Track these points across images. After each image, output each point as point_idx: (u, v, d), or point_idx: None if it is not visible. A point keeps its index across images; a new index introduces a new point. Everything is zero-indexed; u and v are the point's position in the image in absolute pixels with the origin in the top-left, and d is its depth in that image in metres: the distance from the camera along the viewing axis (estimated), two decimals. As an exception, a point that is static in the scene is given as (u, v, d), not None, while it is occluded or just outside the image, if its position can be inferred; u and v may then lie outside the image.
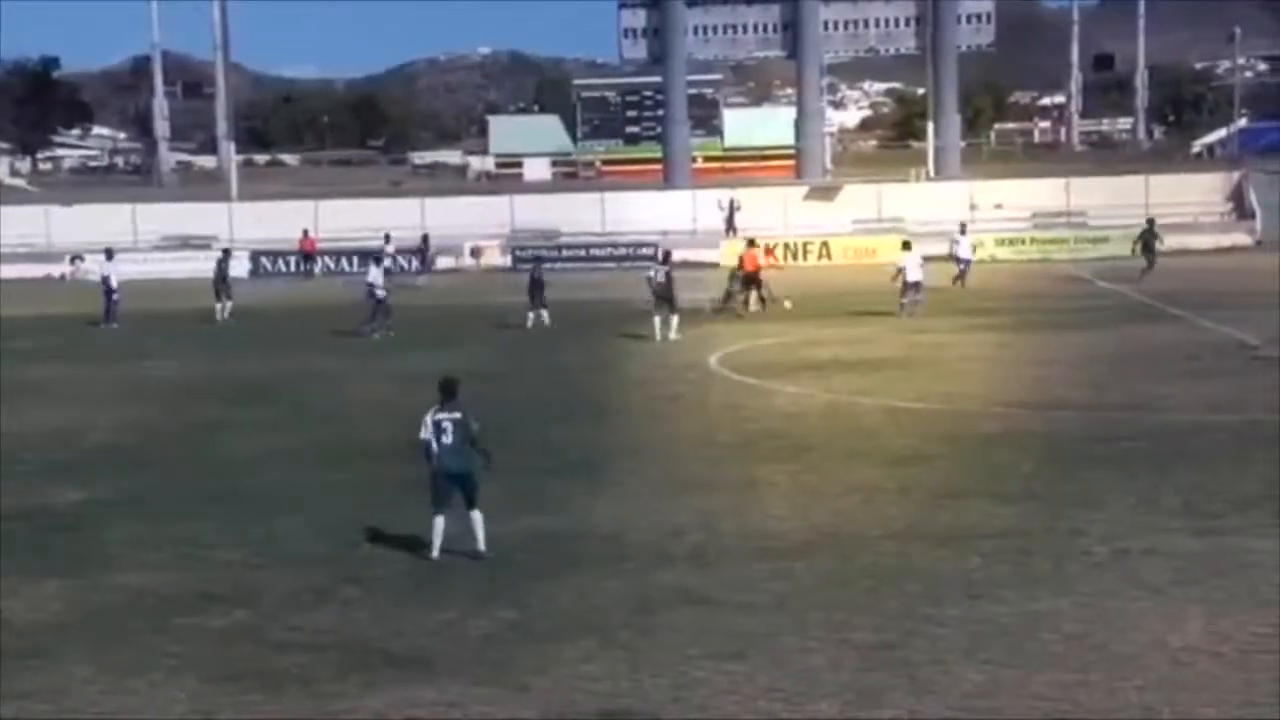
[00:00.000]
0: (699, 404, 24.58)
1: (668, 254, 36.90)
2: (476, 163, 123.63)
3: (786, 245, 59.41)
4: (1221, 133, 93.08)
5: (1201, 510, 15.74)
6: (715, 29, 71.75)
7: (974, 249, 44.20)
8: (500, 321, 36.42)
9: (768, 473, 18.57)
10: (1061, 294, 39.78)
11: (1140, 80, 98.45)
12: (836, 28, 71.40)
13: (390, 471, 18.29)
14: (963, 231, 44.11)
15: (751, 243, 40.62)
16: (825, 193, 64.20)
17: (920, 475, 18.13)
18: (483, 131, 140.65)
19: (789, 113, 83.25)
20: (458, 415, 14.57)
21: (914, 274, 36.99)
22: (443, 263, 56.54)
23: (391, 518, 16.28)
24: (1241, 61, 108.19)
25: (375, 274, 36.37)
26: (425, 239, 55.07)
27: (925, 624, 12.27)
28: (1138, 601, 12.67)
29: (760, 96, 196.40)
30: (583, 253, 58.64)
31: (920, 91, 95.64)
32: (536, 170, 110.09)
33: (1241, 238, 57.86)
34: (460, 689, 11.11)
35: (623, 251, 58.00)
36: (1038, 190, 61.31)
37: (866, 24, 71.47)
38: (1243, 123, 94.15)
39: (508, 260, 59.25)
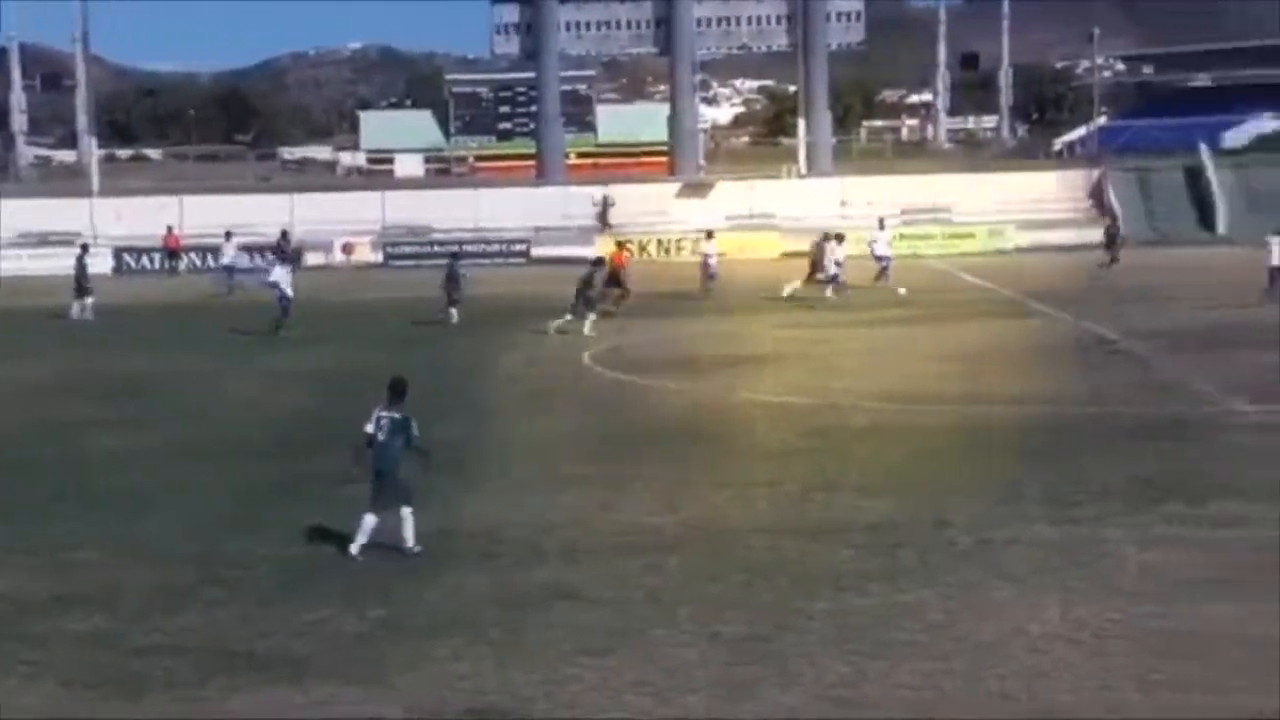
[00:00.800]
0: (572, 401, 24.56)
1: (600, 259, 37.53)
2: (347, 158, 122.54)
3: (659, 241, 59.73)
4: (1082, 131, 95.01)
5: (1061, 501, 16.06)
6: (588, 25, 71.81)
7: (890, 245, 43.76)
8: (415, 318, 35.99)
9: (640, 468, 18.60)
10: (930, 289, 40.37)
11: (1004, 79, 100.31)
12: (709, 25, 71.83)
13: (258, 470, 18.03)
14: (881, 227, 44.16)
15: (621, 245, 41.22)
16: (698, 189, 64.55)
17: (791, 469, 18.29)
18: (353, 127, 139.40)
19: (662, 109, 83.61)
20: (397, 415, 14.57)
21: (832, 267, 38.43)
22: (313, 259, 55.87)
23: (259, 516, 16.06)
24: (1100, 61, 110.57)
25: (280, 273, 35.45)
26: (285, 235, 53.70)
27: (795, 617, 12.38)
28: (1000, 590, 12.90)
29: (633, 93, 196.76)
30: (456, 249, 58.22)
31: (792, 89, 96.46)
32: (408, 166, 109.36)
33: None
34: (328, 690, 10.99)
35: (496, 248, 57.84)
36: (906, 187, 62.22)
37: (738, 21, 71.99)
38: (1102, 121, 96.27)
39: (379, 257, 58.77)
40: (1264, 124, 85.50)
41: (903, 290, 39.10)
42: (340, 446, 15.46)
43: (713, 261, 42.54)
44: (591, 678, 11.09)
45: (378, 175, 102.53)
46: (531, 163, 76.60)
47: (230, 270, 46.86)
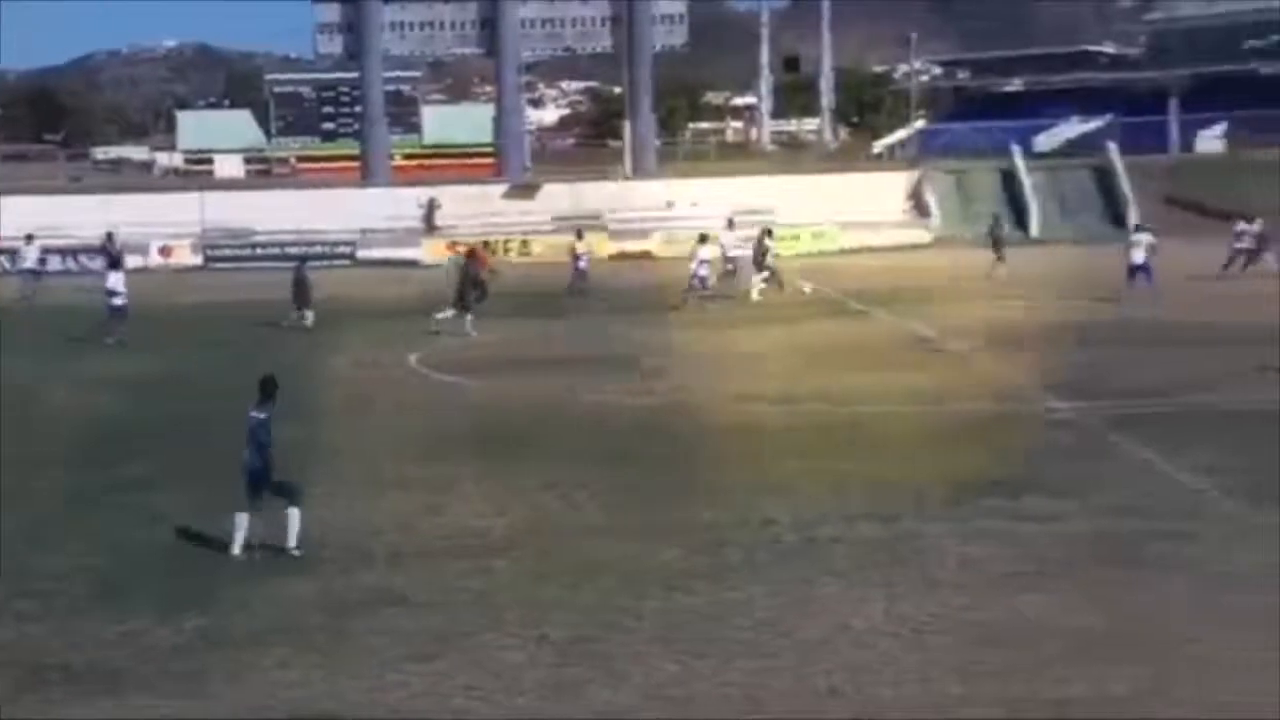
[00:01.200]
0: (398, 403, 24.32)
1: (472, 250, 37.01)
2: (164, 159, 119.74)
3: (487, 243, 59.42)
4: (901, 134, 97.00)
5: (885, 497, 16.37)
6: (412, 25, 71.16)
7: (738, 246, 43.66)
8: (265, 320, 35.29)
9: (467, 471, 18.52)
10: (740, 289, 40.76)
11: (825, 82, 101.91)
12: (533, 26, 71.69)
13: (71, 479, 17.53)
14: (730, 228, 44.14)
15: (484, 245, 41.12)
16: (525, 190, 64.46)
17: (619, 470, 18.35)
18: (170, 126, 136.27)
19: (488, 110, 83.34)
20: (262, 416, 14.50)
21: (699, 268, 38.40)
22: (130, 262, 54.35)
23: (71, 527, 15.62)
24: (918, 66, 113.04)
25: (114, 279, 34.26)
26: (110, 237, 52.22)
27: (623, 617, 12.44)
28: (825, 587, 13.11)
29: (459, 94, 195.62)
30: (278, 251, 57.28)
31: (617, 90, 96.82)
32: (228, 167, 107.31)
33: (920, 235, 60.45)
34: (146, 701, 10.75)
35: (320, 250, 57.01)
36: (731, 188, 62.81)
37: (563, 23, 71.97)
38: (920, 124, 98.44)
39: (199, 260, 57.58)
40: (1073, 128, 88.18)
41: (808, 288, 39.44)
42: (154, 454, 15.06)
43: (583, 263, 42.37)
44: (419, 683, 11.01)
45: (196, 176, 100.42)
46: (356, 164, 75.67)
47: (34, 274, 45.43)
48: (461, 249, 42.88)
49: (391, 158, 77.06)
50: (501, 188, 65.21)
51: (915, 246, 57.63)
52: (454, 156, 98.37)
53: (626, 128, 72.65)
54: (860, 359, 28.14)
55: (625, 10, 70.76)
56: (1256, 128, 70.62)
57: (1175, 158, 67.81)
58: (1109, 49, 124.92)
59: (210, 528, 15.09)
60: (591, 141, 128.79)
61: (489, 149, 78.30)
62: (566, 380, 26.17)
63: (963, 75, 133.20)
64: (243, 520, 14.43)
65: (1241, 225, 41.23)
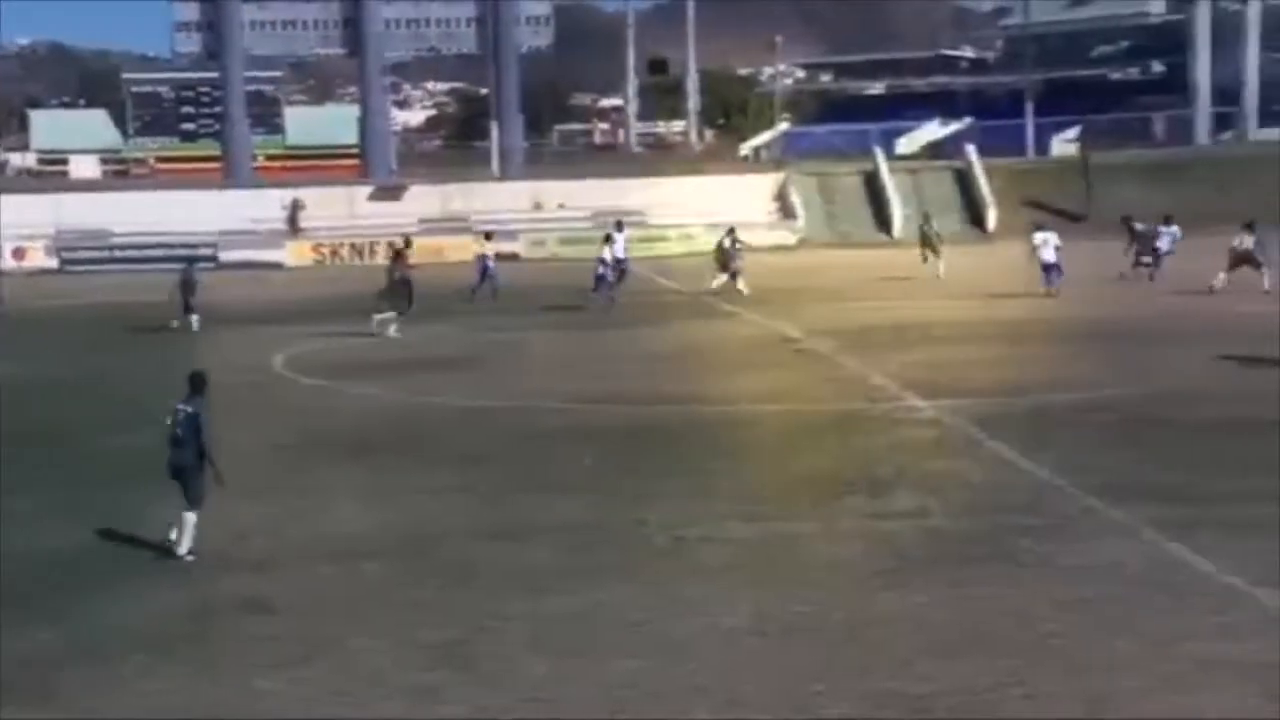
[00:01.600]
0: (263, 407, 24.01)
1: (400, 251, 36.61)
2: (16, 159, 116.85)
3: (353, 244, 59.00)
4: (766, 136, 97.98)
5: (753, 497, 16.53)
6: (273, 25, 70.30)
7: (627, 248, 43.46)
8: (139, 325, 34.50)
9: (335, 475, 18.35)
10: (624, 291, 40.89)
11: (691, 84, 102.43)
12: (398, 26, 71.25)
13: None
14: (619, 229, 43.87)
15: (407, 243, 40.64)
16: (391, 192, 64.03)
17: (488, 472, 18.32)
18: (23, 126, 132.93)
19: (353, 111, 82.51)
20: (190, 410, 14.38)
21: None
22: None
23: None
24: (782, 68, 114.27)
25: None
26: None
27: (492, 620, 12.42)
28: (694, 587, 13.19)
29: (323, 94, 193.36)
30: (137, 254, 56.25)
31: (483, 92, 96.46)
32: (84, 168, 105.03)
33: (786, 236, 61.11)
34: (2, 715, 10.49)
35: (180, 252, 55.95)
36: (598, 190, 62.95)
37: (428, 24, 71.63)
38: (785, 127, 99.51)
39: (54, 262, 56.31)
40: (934, 131, 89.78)
41: (746, 290, 39.58)
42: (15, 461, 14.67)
43: (491, 265, 41.92)
44: (287, 690, 10.90)
45: (50, 177, 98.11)
46: (217, 165, 74.58)
47: None
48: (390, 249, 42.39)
49: (254, 158, 76.13)
50: (367, 189, 64.70)
51: (781, 248, 58.23)
52: (318, 158, 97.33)
53: (493, 129, 72.50)
54: (725, 359, 28.38)
55: (490, 11, 70.60)
56: (1107, 131, 72.61)
57: (1032, 160, 69.26)
58: (968, 54, 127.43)
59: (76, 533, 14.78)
60: (458, 143, 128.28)
61: (354, 150, 77.59)
62: (437, 382, 26.03)
63: (826, 78, 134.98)
64: (190, 518, 14.36)
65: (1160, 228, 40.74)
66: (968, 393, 22.96)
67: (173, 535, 14.47)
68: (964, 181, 64.50)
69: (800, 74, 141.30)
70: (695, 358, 28.87)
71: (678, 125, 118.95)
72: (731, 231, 41.27)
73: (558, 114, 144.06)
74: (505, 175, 68.83)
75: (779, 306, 36.80)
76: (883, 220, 62.87)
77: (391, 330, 32.77)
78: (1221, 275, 35.96)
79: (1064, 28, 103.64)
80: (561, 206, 60.80)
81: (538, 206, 61.06)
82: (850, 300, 38.12)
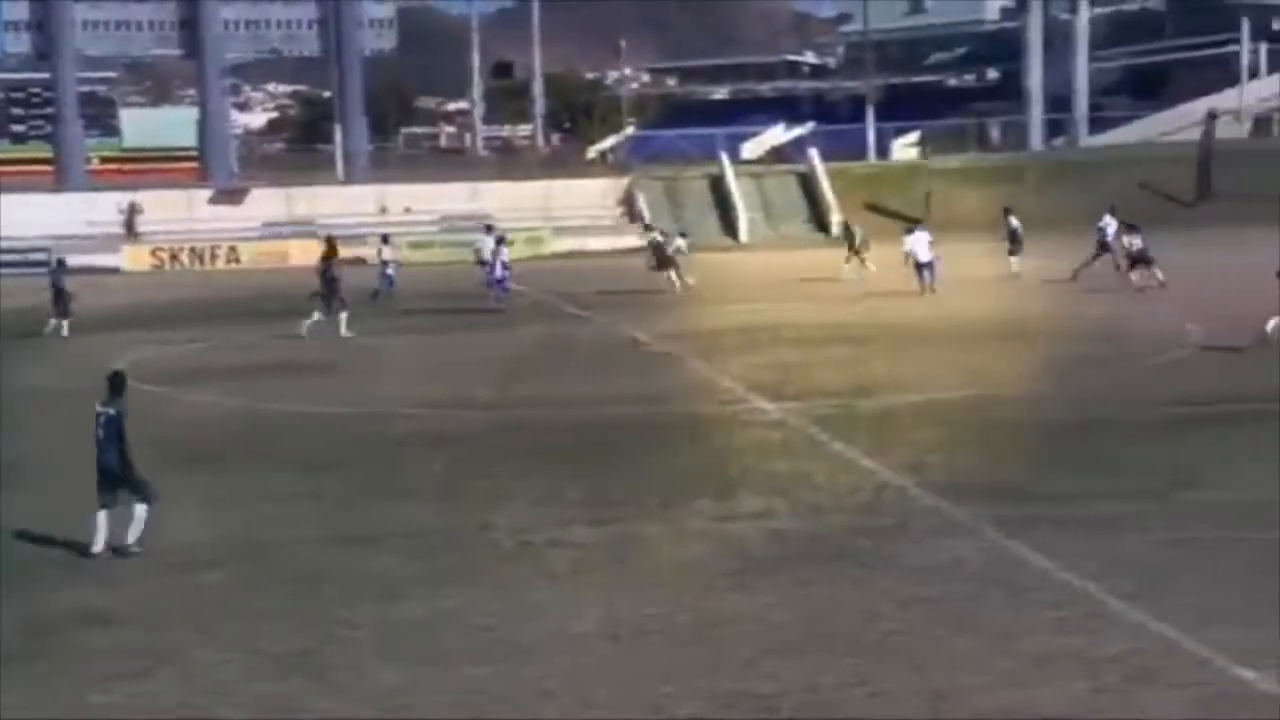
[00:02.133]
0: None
1: (333, 251, 35.96)
2: None
3: (193, 249, 57.93)
4: (612, 140, 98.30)
5: (600, 500, 16.56)
6: (106, 25, 68.69)
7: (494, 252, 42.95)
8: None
9: (176, 483, 17.91)
10: (471, 295, 40.74)
11: (537, 88, 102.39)
12: (237, 28, 70.09)
13: None
14: (488, 233, 43.39)
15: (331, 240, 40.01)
16: (232, 195, 62.99)
17: (334, 479, 18.12)
18: None
19: (192, 113, 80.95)
20: (111, 411, 14.42)
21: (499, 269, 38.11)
22: None
23: None
24: (628, 72, 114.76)
25: None
26: None
27: (340, 627, 12.29)
28: (542, 592, 13.19)
29: (160, 96, 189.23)
30: (59, 260, 54.35)
31: (326, 94, 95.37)
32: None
33: (632, 240, 61.24)
34: None
35: (13, 258, 54.40)
36: (445, 194, 62.61)
37: (268, 25, 70.60)
38: (630, 131, 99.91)
39: None
40: (778, 135, 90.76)
41: (691, 280, 40.37)
42: None
43: (391, 270, 41.38)
44: (126, 703, 10.67)
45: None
46: (49, 168, 72.62)
47: None
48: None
49: (88, 161, 74.32)
50: (207, 192, 63.56)
51: (627, 251, 58.38)
52: (156, 160, 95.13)
53: (337, 132, 71.72)
54: (571, 362, 28.40)
55: (332, 13, 69.82)
56: (946, 136, 74.15)
57: (873, 165, 70.42)
58: (810, 59, 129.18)
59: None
60: (301, 146, 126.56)
61: (193, 153, 76.09)
62: (283, 388, 25.68)
63: (671, 82, 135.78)
64: (103, 519, 14.38)
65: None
66: (813, 394, 23.27)
67: (99, 537, 14.49)
68: (808, 186, 65.35)
69: (645, 78, 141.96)
70: (544, 362, 28.85)
71: (524, 129, 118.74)
72: (649, 228, 41.97)
73: (403, 117, 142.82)
74: (350, 179, 68.11)
75: (627, 310, 36.94)
76: (729, 224, 63.42)
77: (304, 328, 32.55)
78: (1133, 275, 36.70)
79: (903, 34, 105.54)
80: (408, 211, 60.34)
81: (384, 210, 60.50)
82: (698, 303, 38.40)
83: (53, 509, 16.65)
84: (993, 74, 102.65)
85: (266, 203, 61.44)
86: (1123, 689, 10.37)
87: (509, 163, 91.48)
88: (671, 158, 73.67)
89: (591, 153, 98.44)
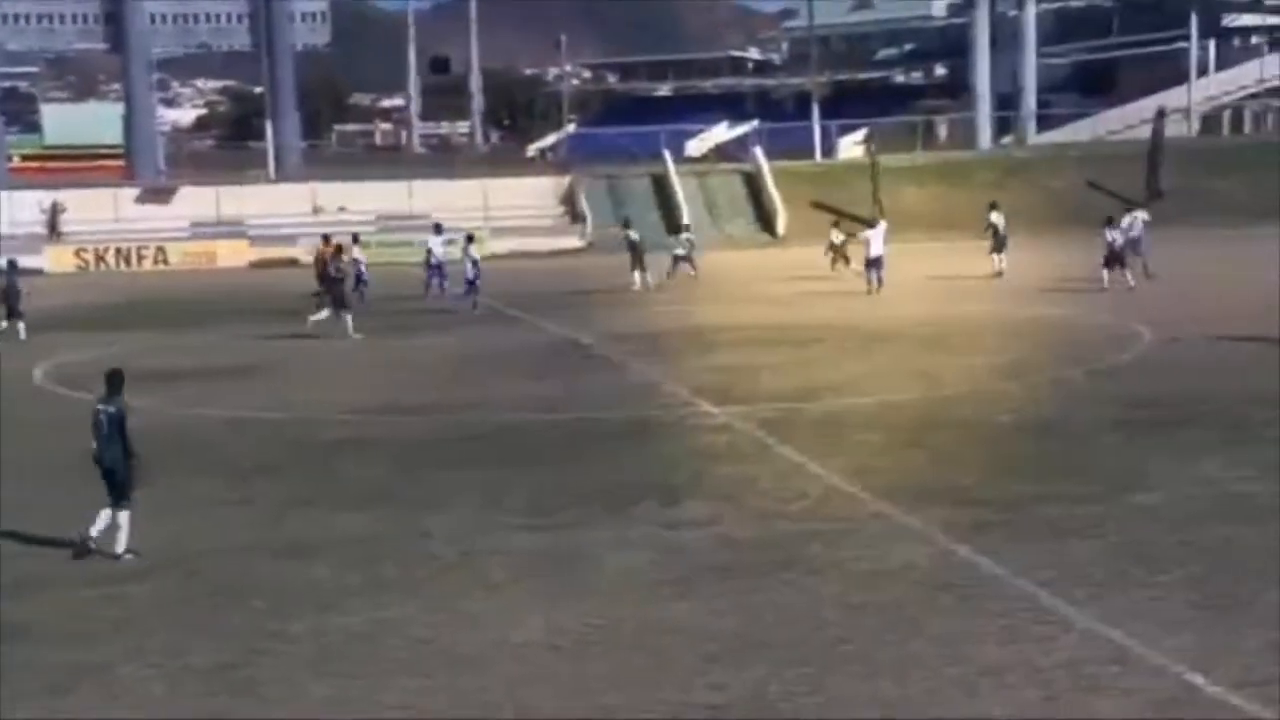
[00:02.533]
0: (22, 422, 23.14)
1: (339, 247, 36.23)
2: None
3: (119, 249, 57.37)
4: (553, 138, 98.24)
5: (541, 507, 16.50)
6: (28, 18, 67.94)
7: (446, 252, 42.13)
8: None
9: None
10: (408, 297, 40.59)
11: (475, 84, 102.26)
12: (164, 21, 69.50)
13: None
14: (437, 232, 42.94)
15: (326, 240, 40.02)
16: (160, 194, 62.43)
17: (265, 487, 17.97)
18: None
19: (117, 109, 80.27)
20: (112, 409, 14.71)
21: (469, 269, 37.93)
22: None
23: None
24: (568, 68, 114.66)
25: None
26: None
27: (271, 640, 12.17)
28: (482, 601, 13.12)
29: (85, 91, 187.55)
30: (11, 260, 53.54)
31: (258, 90, 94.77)
32: None
33: (573, 240, 61.27)
34: None
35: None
36: (380, 193, 62.31)
37: (197, 19, 70.08)
38: (571, 128, 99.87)
39: None
40: (722, 133, 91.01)
41: (652, 280, 40.91)
42: None
43: (364, 269, 40.99)
44: (49, 722, 10.52)
45: None
46: (-33, 165, 71.74)
47: None
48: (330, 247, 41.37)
49: (9, 159, 73.48)
50: (134, 191, 62.96)
51: (569, 252, 58.38)
52: (79, 158, 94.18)
53: (268, 129, 71.26)
54: (515, 366, 28.30)
55: (263, 7, 69.36)
56: (893, 134, 74.53)
57: (820, 163, 70.66)
58: (755, 55, 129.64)
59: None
60: (231, 143, 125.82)
61: (118, 150, 75.44)
62: (210, 393, 25.45)
63: (613, 79, 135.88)
64: (124, 518, 14.78)
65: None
66: (759, 397, 23.30)
67: (93, 532, 14.80)
68: (753, 184, 65.46)
69: (586, 74, 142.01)
70: (482, 365, 28.74)
71: (462, 126, 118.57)
72: (628, 225, 43.81)
73: (337, 114, 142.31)
74: (282, 177, 67.68)
75: (569, 311, 36.89)
76: (672, 224, 63.42)
77: (310, 322, 32.94)
78: (1105, 273, 36.85)
79: (849, 30, 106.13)
80: (343, 210, 59.99)
81: (318, 210, 60.13)
82: (642, 305, 38.40)
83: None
84: (940, 71, 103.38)
85: (195, 202, 60.91)
86: (1073, 696, 10.42)
87: (446, 161, 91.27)
88: (613, 156, 73.58)
89: (531, 151, 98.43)
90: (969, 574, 13.41)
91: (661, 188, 64.96)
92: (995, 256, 41.49)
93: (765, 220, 63.48)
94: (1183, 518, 15.07)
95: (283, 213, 59.70)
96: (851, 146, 77.04)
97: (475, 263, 38.05)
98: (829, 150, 73.81)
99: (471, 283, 37.75)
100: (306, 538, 15.48)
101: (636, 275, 42.04)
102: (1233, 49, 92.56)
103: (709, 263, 46.45)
